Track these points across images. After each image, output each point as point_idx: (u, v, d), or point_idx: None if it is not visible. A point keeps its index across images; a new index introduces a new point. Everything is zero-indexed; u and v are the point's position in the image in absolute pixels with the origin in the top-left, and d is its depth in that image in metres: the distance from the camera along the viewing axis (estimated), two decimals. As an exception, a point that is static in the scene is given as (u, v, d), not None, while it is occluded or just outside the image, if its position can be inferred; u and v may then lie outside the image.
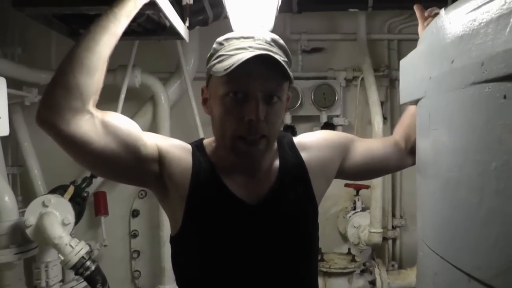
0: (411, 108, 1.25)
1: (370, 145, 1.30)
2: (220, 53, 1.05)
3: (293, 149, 1.20)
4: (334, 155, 1.23)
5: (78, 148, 0.95)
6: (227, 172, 1.12)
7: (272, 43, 1.05)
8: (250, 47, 1.02)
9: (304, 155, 1.20)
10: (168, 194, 1.11)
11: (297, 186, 1.16)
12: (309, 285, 1.22)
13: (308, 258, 1.20)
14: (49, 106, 0.92)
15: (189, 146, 1.15)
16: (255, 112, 1.01)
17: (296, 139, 1.23)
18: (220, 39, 1.09)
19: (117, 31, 1.00)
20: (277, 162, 1.17)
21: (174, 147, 1.11)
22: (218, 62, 1.03)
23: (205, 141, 1.19)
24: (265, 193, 1.12)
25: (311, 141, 1.24)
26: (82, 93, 0.93)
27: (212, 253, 1.08)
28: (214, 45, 1.09)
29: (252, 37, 1.04)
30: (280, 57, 1.02)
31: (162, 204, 1.16)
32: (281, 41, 1.08)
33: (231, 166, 1.12)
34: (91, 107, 0.95)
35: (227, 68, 0.98)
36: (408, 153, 1.28)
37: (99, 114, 0.97)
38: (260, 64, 0.99)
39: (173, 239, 1.15)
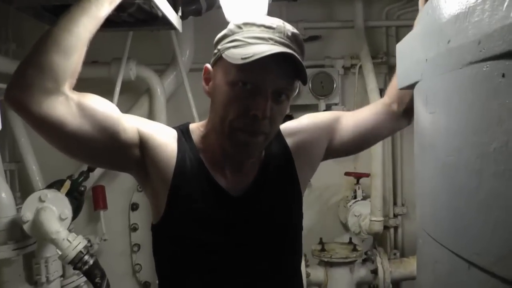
0: None
1: (359, 117, 1.26)
2: (236, 37, 1.00)
3: (279, 137, 1.18)
4: (319, 137, 1.21)
5: (51, 130, 0.92)
6: (213, 160, 1.10)
7: (292, 39, 1.01)
8: (271, 38, 0.97)
9: (289, 141, 1.18)
10: (150, 179, 1.07)
11: (281, 176, 1.15)
12: (293, 276, 1.20)
13: (292, 249, 1.18)
14: (19, 85, 0.88)
15: (174, 131, 1.11)
16: (263, 109, 0.98)
17: (282, 126, 1.20)
18: (238, 21, 1.03)
19: (99, 14, 0.96)
20: (262, 152, 1.15)
21: (158, 132, 1.07)
22: (234, 47, 0.98)
23: (192, 126, 1.15)
24: (249, 184, 1.10)
25: (296, 126, 1.23)
26: (56, 74, 0.89)
27: (194, 242, 1.06)
28: (231, 27, 1.03)
29: (274, 28, 0.99)
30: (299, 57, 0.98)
31: (144, 188, 1.13)
32: (301, 38, 1.04)
33: (218, 154, 1.09)
34: (67, 89, 0.91)
35: (246, 58, 0.93)
36: (401, 115, 1.24)
37: (75, 97, 0.93)
38: (279, 59, 0.95)
39: (154, 227, 1.11)
